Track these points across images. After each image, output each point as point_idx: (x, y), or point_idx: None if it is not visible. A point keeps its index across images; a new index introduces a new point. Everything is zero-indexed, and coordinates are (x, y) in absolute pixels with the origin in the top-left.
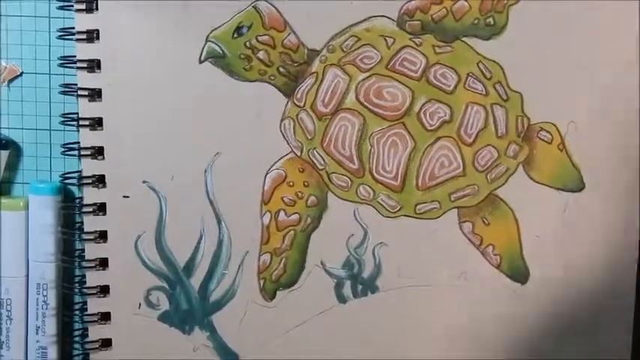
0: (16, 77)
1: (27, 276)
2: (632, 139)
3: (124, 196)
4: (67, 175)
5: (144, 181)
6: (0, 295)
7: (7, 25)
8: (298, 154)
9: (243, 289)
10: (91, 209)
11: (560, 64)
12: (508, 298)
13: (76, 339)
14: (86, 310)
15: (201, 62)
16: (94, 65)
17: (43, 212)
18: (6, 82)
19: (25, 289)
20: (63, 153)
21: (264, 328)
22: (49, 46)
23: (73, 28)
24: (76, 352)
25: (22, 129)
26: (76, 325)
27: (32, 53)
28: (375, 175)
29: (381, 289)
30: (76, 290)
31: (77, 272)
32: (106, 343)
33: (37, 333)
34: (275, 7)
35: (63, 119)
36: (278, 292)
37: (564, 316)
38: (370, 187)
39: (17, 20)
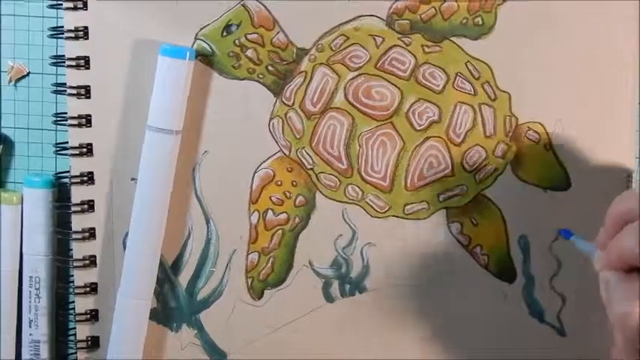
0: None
1: (20, 270)
2: (618, 138)
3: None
4: (60, 175)
5: (132, 179)
6: None
7: (2, 24)
8: (287, 153)
9: (230, 288)
10: (79, 208)
11: (547, 63)
12: (496, 297)
13: (71, 338)
14: None
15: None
16: (82, 63)
17: (37, 205)
18: (13, 82)
19: (17, 282)
20: (55, 152)
21: (251, 326)
22: (42, 45)
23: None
24: (70, 350)
25: (15, 128)
26: (72, 325)
27: (25, 53)
28: (364, 175)
29: (369, 288)
30: (71, 290)
31: (72, 272)
32: (95, 342)
33: (30, 326)
34: (264, 6)
35: (55, 119)
36: (266, 291)
37: (552, 315)
38: (359, 187)
39: (11, 19)
